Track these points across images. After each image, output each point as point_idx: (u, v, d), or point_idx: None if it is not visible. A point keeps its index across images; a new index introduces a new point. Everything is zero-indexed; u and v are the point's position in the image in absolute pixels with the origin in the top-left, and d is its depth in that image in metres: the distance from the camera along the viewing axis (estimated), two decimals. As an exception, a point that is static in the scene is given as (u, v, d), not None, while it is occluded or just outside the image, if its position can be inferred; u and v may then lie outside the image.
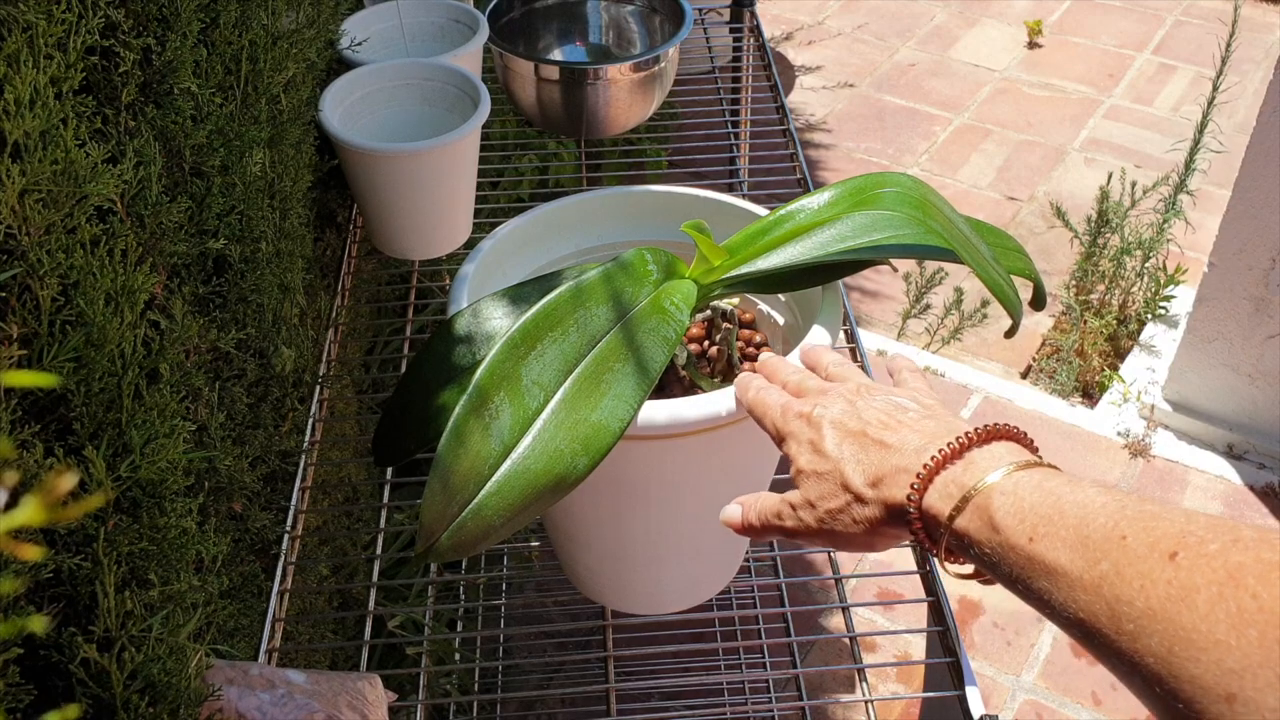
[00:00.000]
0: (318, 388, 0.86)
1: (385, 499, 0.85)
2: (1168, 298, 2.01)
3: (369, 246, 1.02)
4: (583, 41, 1.19)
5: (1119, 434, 1.85)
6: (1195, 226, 2.08)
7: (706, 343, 0.67)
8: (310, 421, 0.84)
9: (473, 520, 0.50)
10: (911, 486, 0.45)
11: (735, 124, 1.25)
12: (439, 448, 0.51)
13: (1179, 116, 2.55)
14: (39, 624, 0.24)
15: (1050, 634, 1.57)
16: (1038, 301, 0.65)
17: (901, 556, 1.57)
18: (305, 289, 0.84)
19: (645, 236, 0.72)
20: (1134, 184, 2.03)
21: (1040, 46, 2.81)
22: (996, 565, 0.42)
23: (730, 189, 1.21)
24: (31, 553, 0.22)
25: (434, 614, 1.22)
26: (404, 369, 0.97)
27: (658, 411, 0.56)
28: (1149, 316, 2.02)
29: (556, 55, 1.18)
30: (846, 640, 1.11)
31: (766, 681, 1.25)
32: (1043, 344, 2.04)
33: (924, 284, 2.01)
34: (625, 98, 1.08)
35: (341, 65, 0.97)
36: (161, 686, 0.47)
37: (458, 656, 1.21)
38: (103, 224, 0.51)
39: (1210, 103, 1.86)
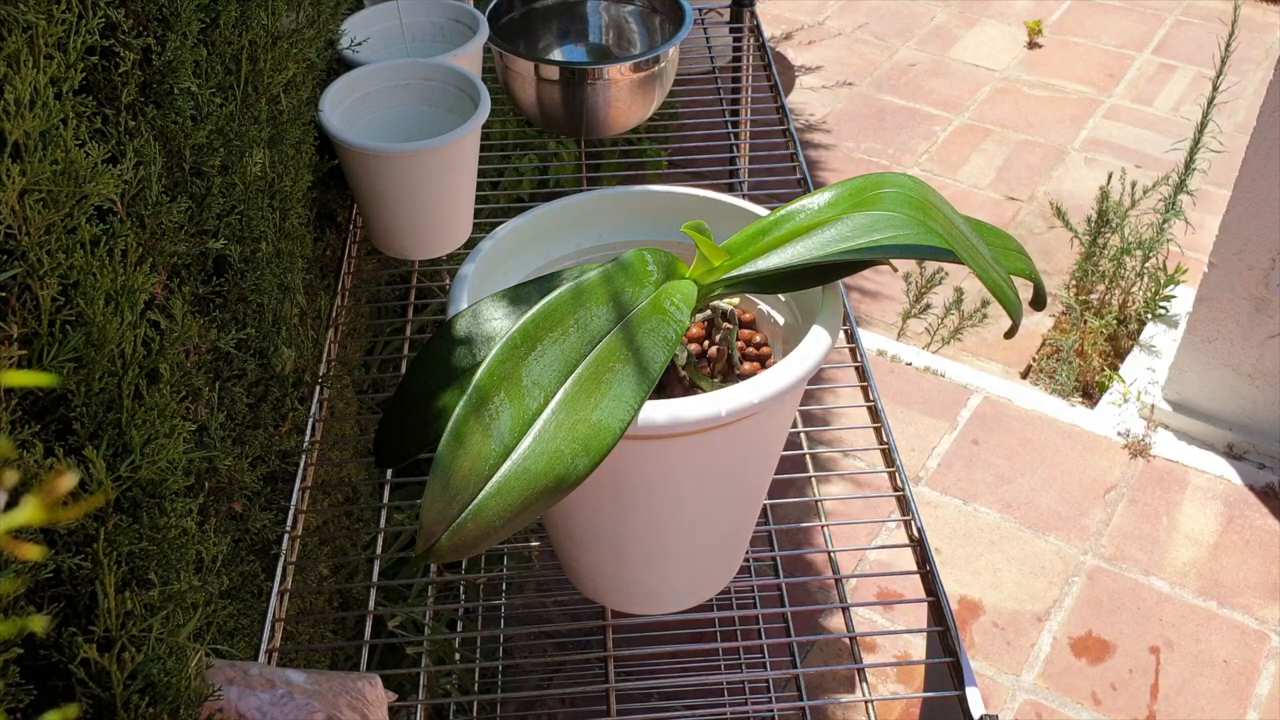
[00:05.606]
0: (318, 388, 0.86)
1: (385, 499, 0.85)
2: (1168, 298, 2.02)
3: (369, 246, 1.02)
4: (583, 41, 1.19)
5: (1119, 434, 1.85)
6: (1195, 226, 2.08)
7: (706, 343, 0.67)
8: (310, 421, 0.84)
9: (473, 521, 0.50)
10: None
11: (735, 124, 1.25)
12: (439, 448, 0.51)
13: (1179, 116, 2.55)
14: (39, 624, 0.24)
15: (1050, 634, 1.57)
16: (1038, 302, 0.65)
17: (902, 556, 1.57)
18: (305, 289, 0.84)
19: (645, 236, 0.72)
20: (1134, 184, 2.03)
21: (1040, 46, 2.81)
22: None
23: (730, 189, 1.21)
24: (31, 553, 0.22)
25: (434, 614, 1.22)
26: (404, 370, 0.97)
27: (658, 411, 0.56)
28: (1149, 316, 2.02)
29: (556, 55, 1.18)
30: (846, 640, 1.11)
31: (766, 681, 1.25)
32: (1043, 344, 2.04)
33: (924, 284, 2.01)
34: (625, 98, 1.08)
35: (341, 65, 0.97)
36: (161, 686, 0.47)
37: (458, 656, 1.21)
38: (103, 224, 0.51)
39: (1210, 103, 1.86)
